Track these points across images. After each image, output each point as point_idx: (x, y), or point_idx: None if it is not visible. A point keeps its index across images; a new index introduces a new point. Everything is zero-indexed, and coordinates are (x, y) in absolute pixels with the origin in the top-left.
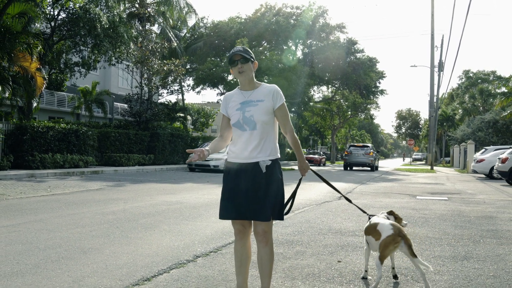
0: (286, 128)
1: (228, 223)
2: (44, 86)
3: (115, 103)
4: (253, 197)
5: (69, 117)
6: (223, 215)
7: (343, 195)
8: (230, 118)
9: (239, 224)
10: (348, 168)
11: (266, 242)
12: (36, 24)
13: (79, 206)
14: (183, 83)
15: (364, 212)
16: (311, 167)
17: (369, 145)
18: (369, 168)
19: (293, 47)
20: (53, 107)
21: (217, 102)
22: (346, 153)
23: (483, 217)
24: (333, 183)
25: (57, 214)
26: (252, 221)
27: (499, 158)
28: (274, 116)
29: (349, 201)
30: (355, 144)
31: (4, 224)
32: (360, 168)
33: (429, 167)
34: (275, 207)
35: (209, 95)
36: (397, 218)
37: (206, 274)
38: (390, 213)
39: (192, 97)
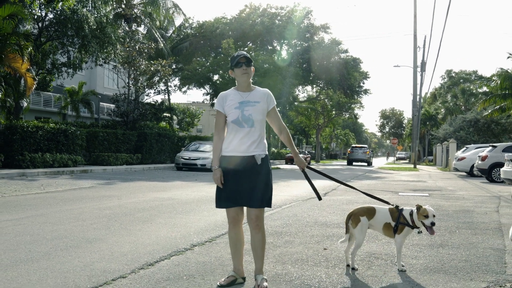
0: (281, 127)
1: (219, 217)
2: (34, 86)
3: (101, 103)
4: (249, 186)
5: (56, 117)
6: (220, 204)
7: (363, 192)
8: (227, 115)
9: (233, 212)
10: (350, 164)
11: (259, 228)
12: (27, 25)
13: (75, 202)
14: (169, 83)
15: (388, 203)
16: (311, 166)
17: (366, 146)
18: (366, 164)
19: (278, 47)
20: (39, 107)
21: (203, 102)
22: (349, 152)
23: (460, 211)
24: (318, 181)
25: (56, 209)
26: (246, 209)
27: (479, 156)
28: (265, 116)
29: (370, 195)
30: (356, 145)
31: (7, 218)
32: (359, 163)
33: (412, 166)
34: (266, 195)
35: (194, 95)
36: (418, 213)
37: (203, 260)
38: (417, 206)
39: (178, 97)
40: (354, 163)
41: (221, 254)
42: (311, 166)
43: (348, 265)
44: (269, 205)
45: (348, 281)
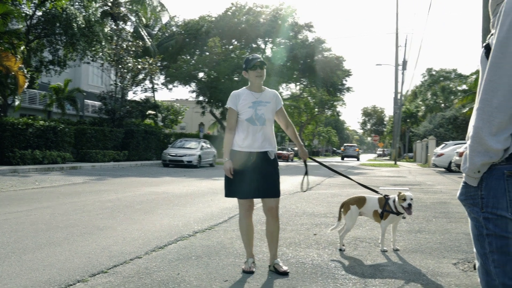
0: (287, 123)
1: (215, 208)
2: (27, 84)
3: (85, 100)
4: (266, 179)
5: (40, 115)
6: (242, 195)
7: (358, 182)
8: (240, 113)
9: (249, 202)
10: (343, 159)
11: (277, 217)
12: (18, 24)
13: (75, 196)
14: (155, 81)
15: (377, 192)
16: (313, 157)
17: (355, 145)
18: (355, 159)
19: (263, 46)
20: (24, 104)
21: (186, 99)
22: (342, 149)
23: (438, 203)
24: (308, 177)
25: (60, 202)
26: (262, 201)
27: (456, 152)
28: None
29: (364, 186)
30: (348, 144)
31: (17, 210)
32: (350, 158)
33: (393, 162)
34: (279, 186)
35: (179, 92)
36: (398, 198)
37: (207, 244)
38: (398, 192)
39: (162, 95)
40: (345, 158)
41: (221, 239)
42: (313, 158)
43: (340, 250)
44: (279, 195)
45: (337, 259)
